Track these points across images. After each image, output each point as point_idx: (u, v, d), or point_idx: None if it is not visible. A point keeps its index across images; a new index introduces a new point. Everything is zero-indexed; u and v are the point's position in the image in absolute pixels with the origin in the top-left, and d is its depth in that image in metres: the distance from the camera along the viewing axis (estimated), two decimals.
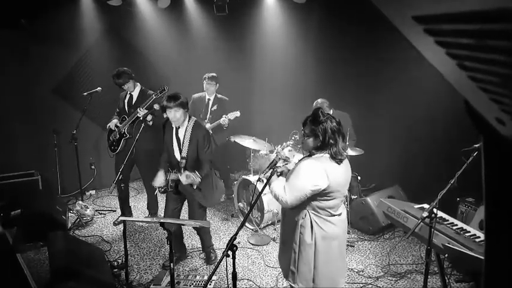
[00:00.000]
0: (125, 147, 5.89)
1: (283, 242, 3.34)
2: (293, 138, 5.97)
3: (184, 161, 4.52)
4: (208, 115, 6.76)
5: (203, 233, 5.09)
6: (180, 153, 4.58)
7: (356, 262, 5.12)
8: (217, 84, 6.74)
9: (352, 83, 6.86)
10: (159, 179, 4.72)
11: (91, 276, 4.04)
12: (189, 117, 4.60)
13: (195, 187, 4.48)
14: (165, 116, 4.59)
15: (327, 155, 3.02)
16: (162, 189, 4.76)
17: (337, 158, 3.02)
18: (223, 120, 6.41)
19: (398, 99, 6.16)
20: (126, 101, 6.00)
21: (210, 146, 4.60)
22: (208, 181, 4.70)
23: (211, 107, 6.77)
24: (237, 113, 6.43)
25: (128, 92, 5.96)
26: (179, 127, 4.57)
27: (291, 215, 3.17)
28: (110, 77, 5.88)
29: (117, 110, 6.14)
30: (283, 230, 3.35)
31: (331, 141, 3.00)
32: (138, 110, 5.60)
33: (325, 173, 2.97)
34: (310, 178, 2.97)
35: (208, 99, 6.82)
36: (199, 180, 4.31)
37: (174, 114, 4.38)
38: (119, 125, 5.95)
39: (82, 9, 7.16)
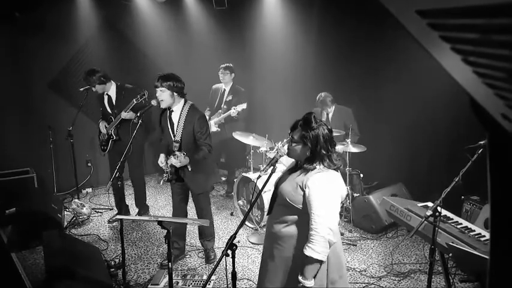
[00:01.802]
0: (113, 147, 5.99)
1: (280, 260, 2.94)
2: None
3: (177, 144, 4.60)
4: (223, 105, 6.91)
5: (205, 228, 5.13)
6: (174, 137, 4.65)
7: (358, 261, 5.12)
8: (233, 74, 6.96)
9: (354, 79, 6.85)
10: (160, 159, 4.86)
11: (87, 276, 4.04)
12: (185, 101, 4.68)
13: (189, 168, 4.56)
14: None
15: (322, 166, 2.79)
16: (166, 178, 4.82)
17: (332, 168, 2.81)
18: (232, 112, 6.52)
19: (401, 95, 6.15)
20: (106, 103, 6.08)
21: (207, 130, 4.67)
22: (204, 166, 4.79)
23: (226, 97, 6.91)
24: (244, 105, 6.51)
25: (105, 93, 6.03)
26: (172, 110, 4.66)
27: (293, 232, 2.87)
28: (107, 73, 5.93)
29: (101, 111, 6.20)
30: (282, 248, 2.93)
31: (322, 151, 2.76)
32: (123, 113, 5.75)
33: (339, 180, 2.84)
34: (334, 191, 2.77)
35: (224, 90, 7.01)
36: (186, 160, 4.40)
37: (160, 94, 4.53)
38: (106, 126, 6.01)
39: (78, 3, 7.16)
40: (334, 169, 2.83)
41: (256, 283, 3.22)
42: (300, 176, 2.83)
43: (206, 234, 5.16)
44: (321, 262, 2.70)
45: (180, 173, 4.74)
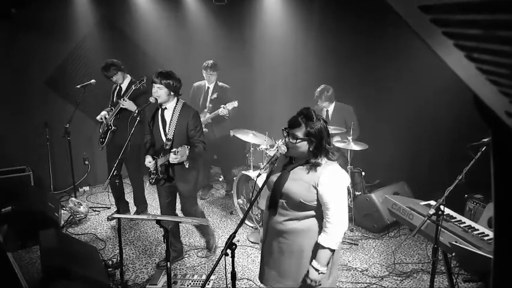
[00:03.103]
0: (112, 139, 5.97)
1: (285, 253, 3.01)
2: None
3: (169, 143, 4.56)
4: (208, 104, 6.78)
5: (201, 229, 5.13)
6: (166, 135, 4.61)
7: (360, 261, 5.13)
8: (218, 72, 6.83)
9: (355, 77, 6.84)
10: (147, 160, 4.78)
11: (84, 275, 4.05)
12: (177, 100, 4.65)
13: (186, 165, 4.53)
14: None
15: (325, 160, 2.87)
16: (153, 180, 4.79)
17: (333, 160, 2.91)
18: (222, 111, 6.40)
19: (403, 93, 6.15)
20: (115, 93, 6.09)
21: (201, 128, 4.66)
22: (196, 166, 4.77)
23: (211, 95, 6.80)
24: (235, 103, 6.40)
25: (118, 84, 6.03)
26: (165, 108, 4.62)
27: (304, 227, 2.93)
28: None
29: (110, 102, 6.20)
30: (291, 242, 2.97)
31: (326, 145, 2.85)
32: (121, 101, 5.75)
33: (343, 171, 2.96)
34: (344, 182, 2.91)
35: (208, 88, 6.87)
36: (186, 152, 4.29)
37: (156, 90, 4.50)
38: (107, 116, 6.02)
39: None
40: (333, 161, 2.93)
41: (265, 280, 3.20)
42: (309, 174, 2.87)
43: (207, 233, 5.16)
44: (334, 251, 2.88)
45: (170, 172, 4.70)
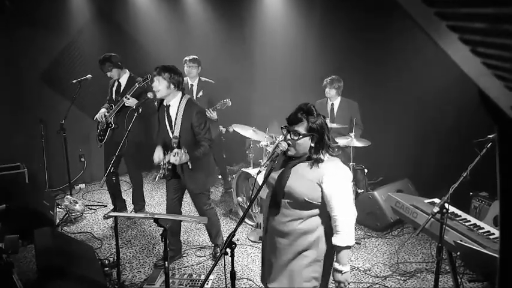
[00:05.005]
0: (111, 137, 5.95)
1: (286, 254, 3.00)
2: None
3: (176, 140, 4.57)
4: None
5: (209, 227, 5.11)
6: (172, 133, 4.62)
7: (362, 260, 5.13)
8: (200, 67, 6.71)
9: (357, 71, 6.83)
10: (156, 154, 4.75)
11: (80, 275, 4.05)
12: (182, 96, 4.64)
13: (190, 166, 4.52)
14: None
15: (327, 156, 2.89)
16: (162, 175, 4.78)
17: (333, 155, 2.93)
18: (209, 115, 6.29)
19: (407, 88, 6.15)
20: (114, 89, 6.06)
21: (206, 125, 4.62)
22: (203, 164, 4.74)
23: (197, 94, 6.70)
24: (228, 102, 6.36)
25: (116, 80, 6.01)
26: (170, 105, 4.62)
27: (309, 227, 2.94)
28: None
29: (108, 98, 6.18)
30: (289, 241, 2.97)
31: (327, 139, 2.87)
32: (124, 98, 5.72)
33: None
34: (348, 177, 2.95)
35: (192, 85, 6.75)
36: (187, 158, 4.34)
37: (157, 84, 4.51)
38: (106, 114, 5.99)
39: None
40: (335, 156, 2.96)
41: (264, 280, 3.21)
42: (312, 171, 2.87)
43: (213, 234, 5.15)
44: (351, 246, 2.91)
45: (177, 169, 4.71)
